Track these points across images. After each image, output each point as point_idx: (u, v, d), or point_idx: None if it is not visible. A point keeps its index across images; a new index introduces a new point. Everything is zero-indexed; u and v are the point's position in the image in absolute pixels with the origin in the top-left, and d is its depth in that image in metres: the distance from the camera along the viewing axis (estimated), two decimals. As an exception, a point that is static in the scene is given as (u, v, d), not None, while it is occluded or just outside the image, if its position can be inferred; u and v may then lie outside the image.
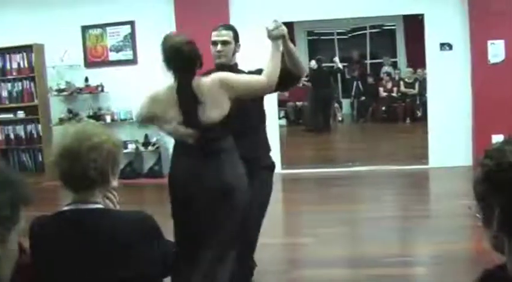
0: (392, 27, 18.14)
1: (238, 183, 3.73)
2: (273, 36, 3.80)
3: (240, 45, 4.32)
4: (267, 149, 4.48)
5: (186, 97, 3.60)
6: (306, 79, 14.55)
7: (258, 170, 4.15)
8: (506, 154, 1.53)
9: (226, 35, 4.21)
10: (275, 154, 4.97)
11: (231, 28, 4.33)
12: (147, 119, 3.93)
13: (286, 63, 3.94)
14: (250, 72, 4.22)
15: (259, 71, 4.03)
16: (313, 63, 15.36)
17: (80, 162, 2.20)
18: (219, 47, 4.17)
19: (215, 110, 3.62)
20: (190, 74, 3.62)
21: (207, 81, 3.64)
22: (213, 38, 4.21)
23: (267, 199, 4.37)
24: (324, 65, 15.82)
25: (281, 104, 14.67)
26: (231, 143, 3.77)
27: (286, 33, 3.84)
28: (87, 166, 2.20)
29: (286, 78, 3.93)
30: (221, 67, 4.14)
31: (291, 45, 3.98)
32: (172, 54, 3.56)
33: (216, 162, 3.69)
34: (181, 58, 3.55)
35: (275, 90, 3.97)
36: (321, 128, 15.05)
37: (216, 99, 3.61)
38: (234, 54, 4.28)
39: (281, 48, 3.84)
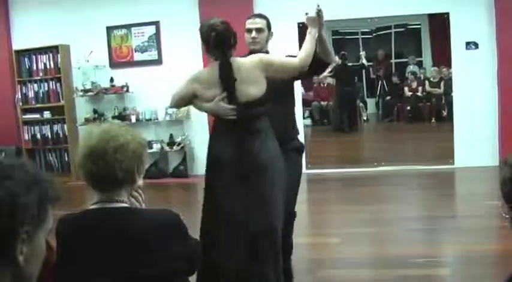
0: (417, 26, 18.00)
1: (274, 164, 3.92)
2: (311, 23, 4.09)
3: (272, 33, 4.53)
4: (295, 132, 4.64)
5: (226, 74, 3.85)
6: (330, 74, 14.48)
7: (285, 151, 4.23)
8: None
9: (260, 23, 4.44)
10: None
11: (264, 17, 4.58)
12: (183, 100, 4.11)
13: (317, 50, 4.14)
14: None
15: (289, 57, 4.25)
16: (337, 58, 15.25)
17: (105, 163, 2.21)
18: (253, 33, 4.37)
19: (253, 88, 3.88)
20: (226, 50, 3.87)
21: (246, 60, 3.94)
22: (248, 26, 4.43)
23: (297, 177, 4.51)
24: (349, 64, 15.73)
25: (306, 103, 14.62)
26: (267, 122, 3.99)
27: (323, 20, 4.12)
28: (113, 166, 2.21)
29: (316, 64, 4.14)
30: (254, 53, 4.28)
31: (325, 33, 4.24)
32: (209, 34, 3.84)
33: (255, 141, 3.90)
34: (217, 36, 3.82)
35: (305, 75, 4.29)
36: (347, 127, 14.96)
37: (254, 77, 3.88)
38: (267, 41, 4.47)
39: (316, 35, 4.09)
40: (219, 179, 3.96)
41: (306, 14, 4.12)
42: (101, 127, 2.35)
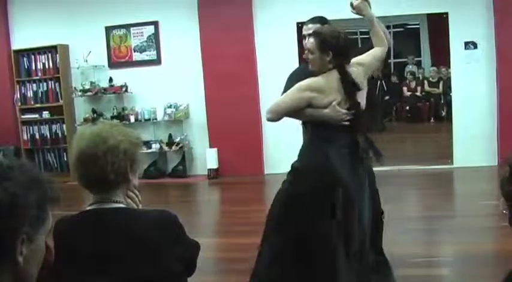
0: (416, 26, 18.02)
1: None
2: (359, 10, 4.18)
3: None
4: None
5: (349, 80, 3.87)
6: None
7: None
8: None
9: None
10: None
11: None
12: (291, 110, 3.98)
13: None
14: None
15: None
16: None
17: (97, 166, 2.19)
18: None
19: (363, 95, 3.96)
20: (341, 61, 3.90)
21: (354, 70, 3.95)
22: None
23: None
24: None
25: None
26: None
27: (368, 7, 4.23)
28: (105, 169, 2.19)
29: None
30: None
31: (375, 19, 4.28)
32: (337, 41, 3.91)
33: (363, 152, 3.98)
34: (345, 44, 3.94)
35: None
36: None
37: (363, 87, 3.96)
38: None
39: (371, 19, 4.21)
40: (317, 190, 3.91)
41: (351, 2, 4.22)
42: (92, 129, 2.30)
